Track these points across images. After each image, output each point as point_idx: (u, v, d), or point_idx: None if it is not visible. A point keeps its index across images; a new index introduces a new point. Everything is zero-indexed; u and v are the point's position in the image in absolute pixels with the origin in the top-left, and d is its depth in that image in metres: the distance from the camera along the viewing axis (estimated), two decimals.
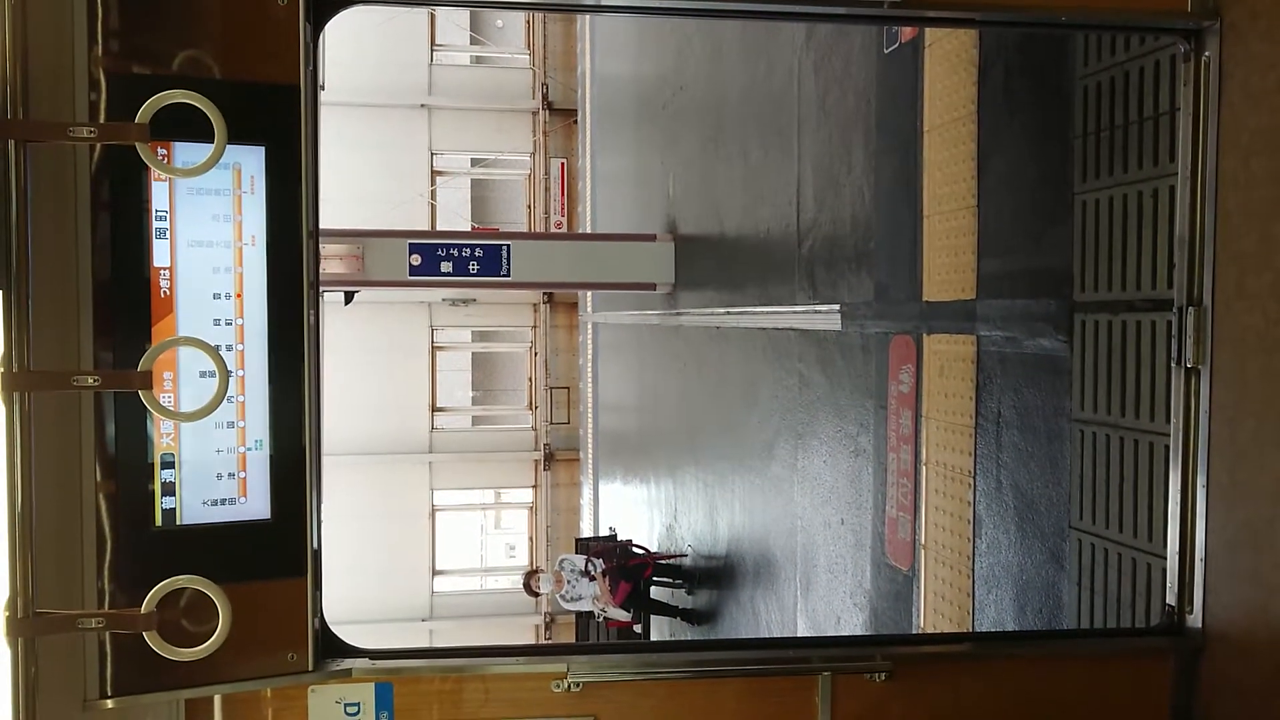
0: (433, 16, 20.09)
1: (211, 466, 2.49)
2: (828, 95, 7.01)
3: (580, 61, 19.93)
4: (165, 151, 2.37)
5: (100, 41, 2.32)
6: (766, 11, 3.02)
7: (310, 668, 2.57)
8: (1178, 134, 3.02)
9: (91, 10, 2.31)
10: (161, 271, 2.41)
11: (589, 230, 18.56)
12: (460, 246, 11.27)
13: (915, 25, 5.34)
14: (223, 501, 2.51)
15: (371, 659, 2.68)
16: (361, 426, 18.75)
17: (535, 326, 21.05)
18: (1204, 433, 2.89)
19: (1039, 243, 4.50)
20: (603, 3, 2.76)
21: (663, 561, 11.56)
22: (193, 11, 2.42)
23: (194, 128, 2.27)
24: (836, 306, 6.68)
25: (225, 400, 2.34)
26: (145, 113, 2.22)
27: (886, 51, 5.99)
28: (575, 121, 20.39)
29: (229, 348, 2.47)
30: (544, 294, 20.09)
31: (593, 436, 18.39)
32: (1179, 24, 2.91)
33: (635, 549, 11.91)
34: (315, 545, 2.59)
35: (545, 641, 20.24)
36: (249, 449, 2.52)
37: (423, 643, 19.70)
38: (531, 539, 21.66)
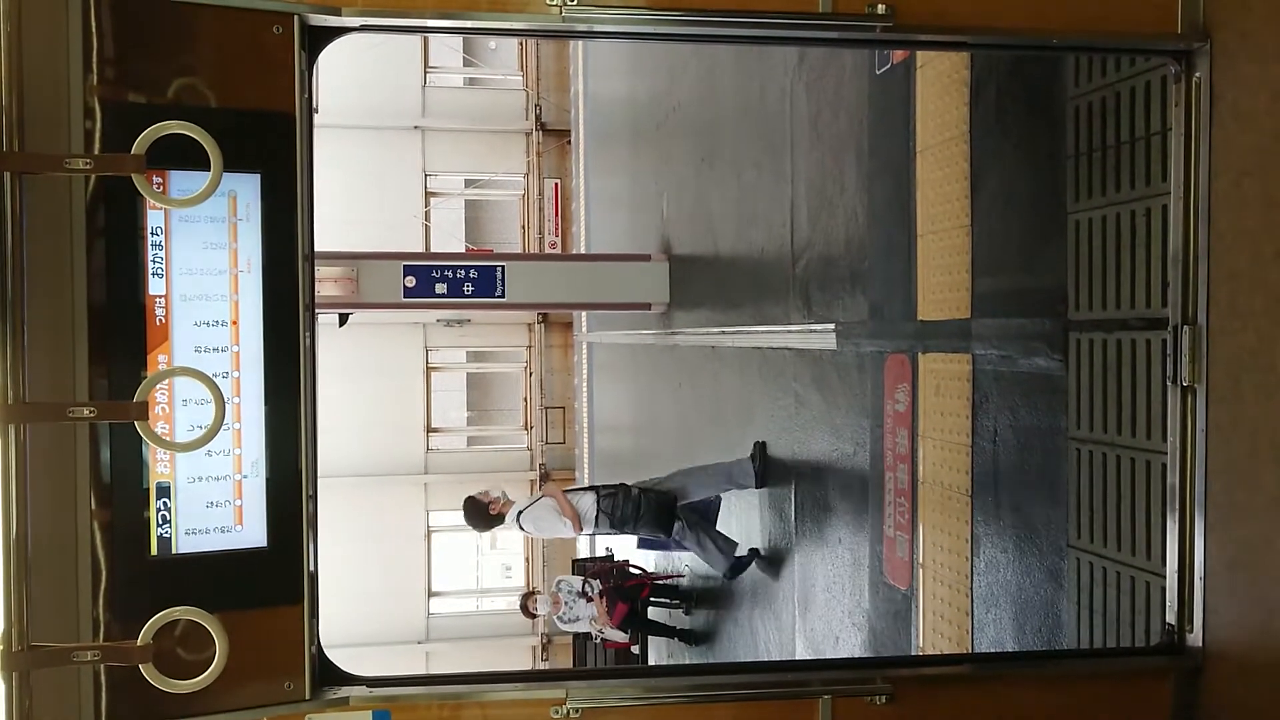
0: (426, 39, 20.17)
1: (207, 494, 2.48)
2: (820, 116, 7.04)
3: (573, 83, 20.01)
4: (160, 180, 2.37)
5: (95, 71, 2.33)
6: (758, 36, 3.04)
7: (307, 696, 2.56)
8: (1169, 154, 3.04)
9: (87, 40, 2.31)
10: (157, 300, 2.41)
11: (583, 250, 18.59)
12: (455, 268, 11.28)
13: (907, 49, 5.36)
14: (218, 529, 2.49)
15: (369, 686, 2.66)
16: (356, 448, 18.70)
17: (530, 346, 21.05)
18: (1200, 451, 2.89)
19: (1033, 262, 4.51)
20: (594, 29, 2.77)
21: (660, 582, 11.52)
22: (188, 40, 2.42)
23: (189, 156, 2.27)
24: (831, 326, 6.68)
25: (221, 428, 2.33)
26: (141, 144, 2.22)
27: (878, 73, 6.02)
28: (569, 142, 20.45)
29: (225, 375, 2.46)
30: (539, 314, 20.10)
31: (588, 456, 18.35)
32: (1169, 46, 2.93)
33: (632, 569, 11.86)
34: (312, 571, 2.58)
35: (542, 662, 20.14)
36: (245, 476, 2.51)
37: (419, 665, 19.61)
38: (528, 560, 21.59)
